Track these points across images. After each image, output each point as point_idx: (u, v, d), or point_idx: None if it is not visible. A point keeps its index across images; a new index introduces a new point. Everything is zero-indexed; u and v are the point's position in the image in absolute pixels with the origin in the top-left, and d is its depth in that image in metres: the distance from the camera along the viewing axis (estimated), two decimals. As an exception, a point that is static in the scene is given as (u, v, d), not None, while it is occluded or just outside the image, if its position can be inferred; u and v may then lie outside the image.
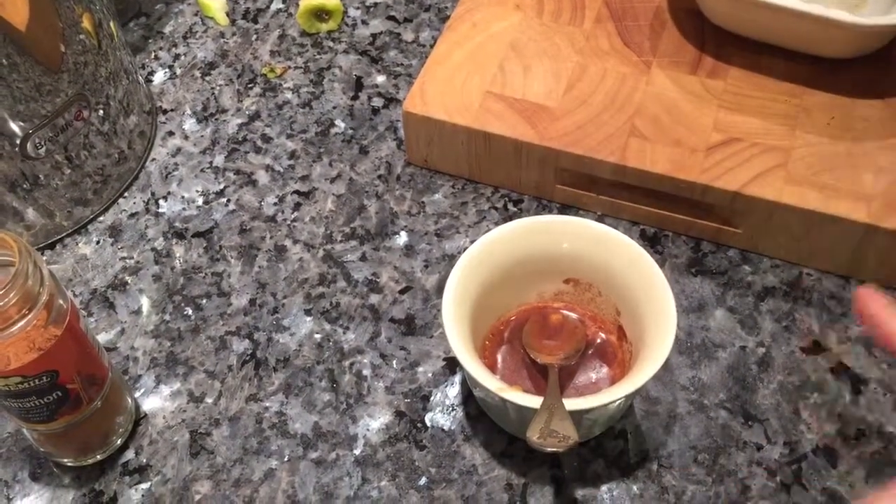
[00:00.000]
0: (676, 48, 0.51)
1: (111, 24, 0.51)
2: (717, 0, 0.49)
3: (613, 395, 0.37)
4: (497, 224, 0.50)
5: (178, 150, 0.55)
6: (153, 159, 0.54)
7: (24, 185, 0.48)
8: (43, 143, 0.48)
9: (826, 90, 0.49)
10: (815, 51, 0.48)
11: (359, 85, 0.57)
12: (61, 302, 0.37)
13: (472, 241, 0.49)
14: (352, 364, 0.45)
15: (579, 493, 0.40)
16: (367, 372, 0.45)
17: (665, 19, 0.53)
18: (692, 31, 0.52)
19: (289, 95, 0.57)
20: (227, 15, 0.62)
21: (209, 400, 0.44)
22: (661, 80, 0.50)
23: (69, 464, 0.42)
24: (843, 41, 0.47)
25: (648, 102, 0.49)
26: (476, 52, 0.52)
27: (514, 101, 0.49)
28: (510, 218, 0.50)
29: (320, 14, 0.60)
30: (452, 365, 0.45)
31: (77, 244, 0.51)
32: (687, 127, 0.47)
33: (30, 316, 0.35)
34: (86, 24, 0.49)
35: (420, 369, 0.45)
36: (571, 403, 0.37)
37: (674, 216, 0.48)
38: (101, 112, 0.51)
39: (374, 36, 0.60)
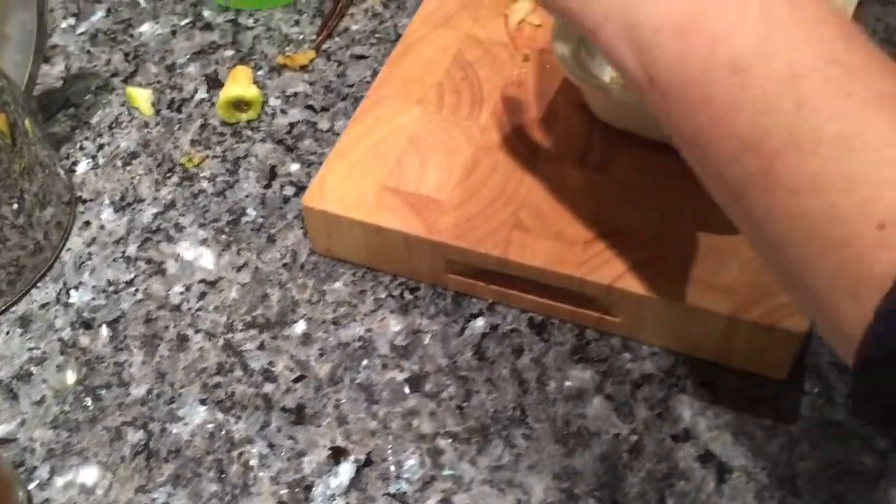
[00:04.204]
0: (565, 142, 0.54)
1: (26, 122, 0.54)
2: (597, 98, 0.52)
3: None
4: (392, 313, 0.52)
5: (94, 239, 0.57)
6: (69, 249, 0.56)
7: (-65, 280, 0.50)
8: (-48, 240, 0.50)
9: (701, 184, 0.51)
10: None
11: (273, 173, 0.60)
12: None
13: (366, 330, 0.51)
14: (241, 454, 0.47)
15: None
16: (254, 462, 0.46)
17: (557, 114, 0.55)
18: (581, 126, 0.54)
19: (205, 184, 0.59)
20: (153, 105, 0.65)
21: (99, 492, 0.45)
22: (548, 173, 0.52)
23: (-40, 556, 0.43)
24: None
25: (534, 195, 0.51)
26: (377, 145, 0.54)
27: (407, 194, 0.52)
28: (405, 307, 0.52)
29: (239, 104, 0.63)
30: (337, 455, 0.46)
31: (-12, 334, 0.52)
32: (569, 220, 0.50)
33: None
34: (0, 124, 0.52)
35: (306, 459, 0.46)
36: None
37: (558, 306, 0.50)
38: (14, 206, 0.53)
39: (291, 125, 0.63)
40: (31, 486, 0.46)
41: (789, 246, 0.30)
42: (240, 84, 0.63)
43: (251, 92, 0.63)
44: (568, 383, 0.48)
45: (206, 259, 0.55)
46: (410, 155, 0.54)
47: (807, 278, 0.29)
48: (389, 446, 0.46)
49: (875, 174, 0.27)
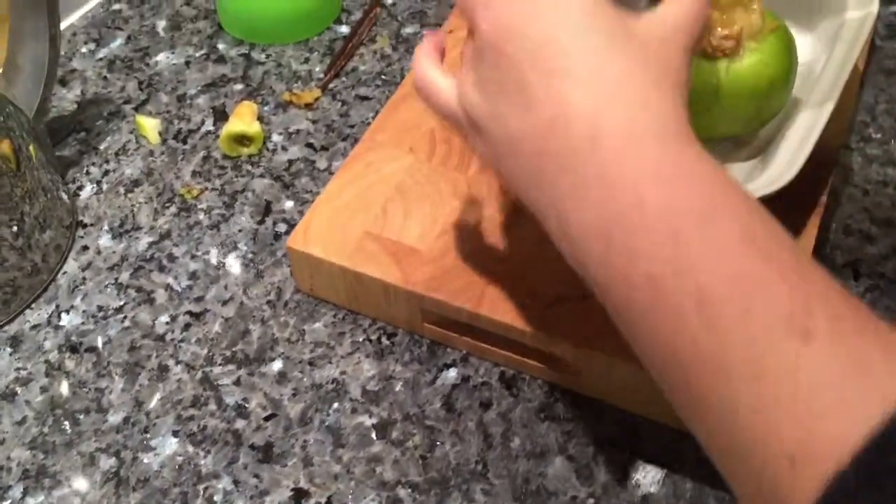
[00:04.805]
0: (550, 199, 0.54)
1: (30, 147, 0.56)
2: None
3: None
4: (368, 357, 0.53)
5: (90, 264, 0.59)
6: (65, 272, 0.58)
7: (-68, 297, 0.52)
8: (-51, 260, 0.52)
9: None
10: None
11: (267, 209, 0.61)
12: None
13: (340, 373, 0.52)
14: (206, 488, 0.48)
15: None
16: (218, 497, 0.47)
17: (544, 169, 0.56)
18: (566, 184, 0.55)
19: (201, 216, 0.61)
20: (160, 134, 0.67)
21: (66, 516, 0.47)
22: (529, 229, 0.53)
23: (-70, 569, 0.45)
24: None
25: (515, 251, 0.52)
26: (365, 191, 0.56)
27: (389, 242, 0.53)
28: (382, 352, 0.53)
29: (241, 139, 0.65)
30: (298, 496, 0.47)
31: (-20, 351, 0.54)
32: (544, 278, 0.50)
33: None
34: (5, 149, 0.54)
35: (268, 498, 0.47)
36: None
37: (529, 362, 0.50)
38: (14, 229, 0.55)
39: (290, 162, 0.64)
40: (3, 505, 0.48)
41: (715, 455, 0.30)
42: (243, 120, 0.64)
43: (253, 128, 0.64)
44: (531, 441, 0.49)
45: (193, 291, 0.57)
46: (396, 203, 0.55)
47: (736, 488, 0.30)
48: (350, 492, 0.47)
49: (781, 405, 0.27)
